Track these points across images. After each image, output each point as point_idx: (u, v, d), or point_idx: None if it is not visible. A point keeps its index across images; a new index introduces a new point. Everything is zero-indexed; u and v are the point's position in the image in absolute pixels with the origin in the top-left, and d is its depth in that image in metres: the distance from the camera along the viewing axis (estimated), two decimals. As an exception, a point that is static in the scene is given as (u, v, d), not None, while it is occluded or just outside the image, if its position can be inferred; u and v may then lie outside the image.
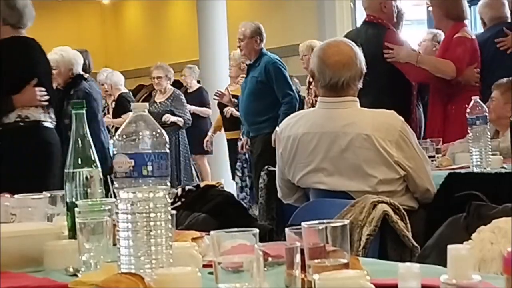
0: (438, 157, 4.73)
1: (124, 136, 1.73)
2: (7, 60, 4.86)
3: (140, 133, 1.73)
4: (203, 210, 3.22)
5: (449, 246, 1.30)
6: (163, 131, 1.76)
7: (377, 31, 5.78)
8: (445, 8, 5.76)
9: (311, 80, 7.95)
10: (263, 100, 7.19)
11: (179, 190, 3.35)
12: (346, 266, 1.61)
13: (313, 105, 7.83)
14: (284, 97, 7.23)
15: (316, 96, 7.79)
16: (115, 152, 1.71)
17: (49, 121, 5.02)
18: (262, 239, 1.72)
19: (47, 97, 4.97)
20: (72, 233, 2.18)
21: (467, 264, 1.30)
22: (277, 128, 4.43)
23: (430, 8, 6.16)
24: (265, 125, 7.15)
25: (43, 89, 4.96)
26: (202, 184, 3.43)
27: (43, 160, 4.90)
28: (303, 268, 1.62)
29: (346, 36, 5.99)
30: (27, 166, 4.80)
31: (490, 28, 6.09)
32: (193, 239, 2.11)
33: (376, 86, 5.49)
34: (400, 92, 5.70)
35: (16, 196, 2.61)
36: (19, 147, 4.88)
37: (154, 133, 1.74)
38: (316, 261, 1.61)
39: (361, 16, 12.28)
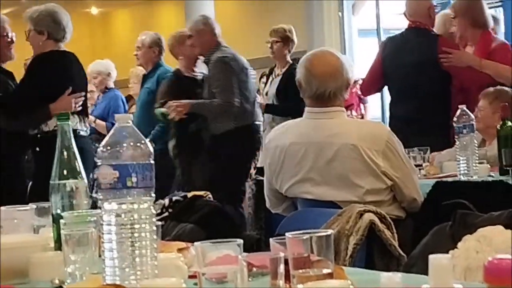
0: (425, 166, 4.75)
1: (108, 147, 1.73)
2: (48, 73, 5.18)
3: (124, 144, 1.73)
4: (190, 220, 3.22)
5: (430, 256, 1.31)
6: (147, 142, 1.76)
7: (428, 36, 5.81)
8: (471, 17, 5.76)
9: None
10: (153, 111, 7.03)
11: (167, 201, 3.35)
12: (330, 276, 1.62)
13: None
14: None
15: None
16: (99, 164, 1.72)
17: (84, 130, 5.33)
18: (250, 249, 1.72)
19: (80, 104, 5.29)
20: (58, 245, 2.17)
21: (448, 273, 1.30)
22: None
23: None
24: None
25: (80, 94, 5.29)
26: (189, 195, 3.43)
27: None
28: (288, 278, 1.62)
29: (388, 42, 6.06)
30: None
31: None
32: (179, 250, 2.11)
33: (423, 91, 5.56)
34: (445, 98, 5.70)
35: (2, 208, 2.60)
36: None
37: (138, 144, 1.74)
38: (300, 271, 1.61)
39: (349, 26, 12.38)
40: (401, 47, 5.81)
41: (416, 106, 5.63)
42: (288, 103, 6.48)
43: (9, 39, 5.41)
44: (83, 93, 5.38)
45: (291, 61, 7.07)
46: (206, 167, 6.22)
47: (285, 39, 7.12)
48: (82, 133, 5.31)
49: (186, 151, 6.42)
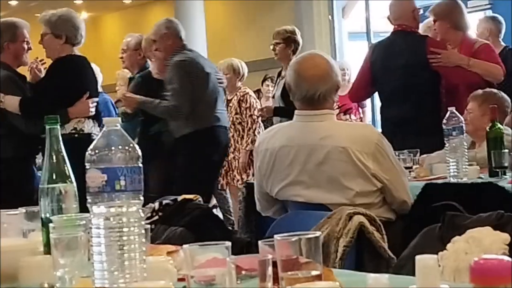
0: (415, 168, 4.76)
1: (97, 151, 1.73)
2: (67, 77, 5.32)
3: (113, 148, 1.73)
4: (180, 224, 3.21)
5: (417, 257, 1.31)
6: (135, 145, 1.76)
7: (416, 38, 5.89)
8: (452, 20, 5.84)
9: (229, 98, 8.00)
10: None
11: (156, 204, 3.34)
12: (319, 277, 1.62)
13: (233, 123, 7.88)
14: None
15: (236, 114, 7.86)
16: (87, 167, 1.72)
17: (96, 133, 5.38)
18: (240, 252, 1.72)
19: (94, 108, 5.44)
20: (47, 249, 2.17)
21: (435, 273, 1.31)
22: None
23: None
24: None
25: (95, 99, 5.47)
26: (179, 198, 3.42)
27: None
28: (276, 280, 1.63)
29: (376, 47, 6.11)
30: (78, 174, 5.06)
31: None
32: (169, 253, 2.11)
33: (414, 92, 5.61)
34: (436, 98, 5.75)
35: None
36: (71, 158, 5.05)
37: (126, 147, 1.74)
38: (289, 273, 1.62)
39: (339, 29, 12.41)
40: (390, 51, 5.85)
41: (407, 108, 5.67)
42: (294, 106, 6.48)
43: (27, 46, 5.52)
44: (98, 98, 5.54)
45: None
46: (162, 170, 6.20)
47: (288, 40, 7.11)
48: (95, 137, 5.36)
49: (144, 152, 6.42)
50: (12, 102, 5.28)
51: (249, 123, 7.93)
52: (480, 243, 2.16)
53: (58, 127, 2.28)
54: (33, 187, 5.31)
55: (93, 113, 5.42)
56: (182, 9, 12.39)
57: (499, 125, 4.41)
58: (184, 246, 1.65)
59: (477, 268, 1.28)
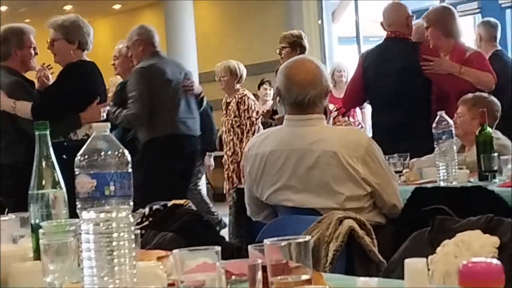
0: (405, 172, 4.76)
1: (86, 156, 1.72)
2: (77, 82, 5.37)
3: (102, 153, 1.72)
4: (170, 229, 3.21)
5: (406, 260, 1.32)
6: (125, 150, 1.76)
7: (409, 45, 5.93)
8: (444, 27, 5.87)
9: (228, 100, 7.99)
10: None
11: (147, 210, 3.34)
12: (308, 282, 1.62)
13: (232, 126, 7.87)
14: None
15: (235, 116, 7.84)
16: (76, 173, 1.71)
17: None
18: (230, 257, 1.72)
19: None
20: (37, 255, 2.17)
21: (424, 276, 1.31)
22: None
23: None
24: None
25: (107, 104, 5.54)
26: (169, 203, 3.42)
27: None
28: (266, 285, 1.63)
29: (368, 53, 6.13)
30: None
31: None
32: (159, 258, 2.11)
33: (407, 98, 5.63)
34: (427, 104, 5.79)
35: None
36: None
37: (116, 152, 1.74)
38: (278, 277, 1.62)
39: (328, 33, 12.42)
40: (383, 57, 5.89)
41: (400, 114, 5.69)
42: None
43: (34, 51, 5.53)
44: (110, 103, 5.63)
45: None
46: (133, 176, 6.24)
47: (294, 45, 7.15)
48: None
49: None
50: (24, 108, 5.30)
51: (248, 125, 7.89)
52: (469, 247, 2.17)
53: (48, 133, 2.28)
54: None
55: (104, 118, 5.46)
56: (172, 14, 12.39)
57: (489, 129, 4.42)
58: (174, 251, 1.65)
59: (466, 271, 1.29)
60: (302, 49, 7.14)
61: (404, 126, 5.63)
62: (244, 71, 8.08)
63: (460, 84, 5.64)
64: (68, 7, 15.23)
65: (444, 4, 6.20)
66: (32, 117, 5.23)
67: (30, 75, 5.72)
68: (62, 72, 5.48)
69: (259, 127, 7.94)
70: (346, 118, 8.50)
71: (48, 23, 5.57)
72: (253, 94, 8.50)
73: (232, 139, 7.84)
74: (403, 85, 5.73)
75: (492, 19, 7.38)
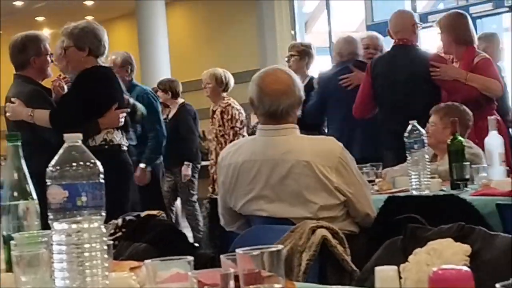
0: (378, 181, 4.78)
1: (58, 167, 1.72)
2: (94, 87, 5.32)
3: (74, 164, 1.72)
4: (143, 240, 3.20)
5: (376, 268, 1.32)
6: (97, 161, 1.76)
7: (417, 52, 6.05)
8: (456, 34, 5.91)
9: (213, 109, 7.99)
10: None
11: (120, 221, 3.33)
12: (281, 291, 1.63)
13: (216, 136, 7.87)
14: (150, 131, 7.13)
15: (219, 126, 7.85)
16: (48, 183, 1.71)
17: (125, 144, 5.47)
18: (204, 267, 1.72)
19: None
20: (9, 266, 2.16)
21: (394, 284, 1.32)
22: None
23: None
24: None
25: (125, 110, 5.50)
26: (142, 214, 3.41)
27: (124, 179, 5.38)
28: (239, 294, 1.63)
29: (377, 61, 6.23)
30: (111, 185, 5.17)
31: (340, 63, 6.62)
32: (131, 269, 2.11)
33: (417, 105, 5.67)
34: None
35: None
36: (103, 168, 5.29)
37: (88, 163, 1.74)
38: (251, 287, 1.62)
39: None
40: (392, 64, 5.99)
41: (409, 121, 5.72)
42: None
43: (50, 58, 5.54)
44: (128, 109, 5.61)
45: (310, 75, 7.21)
46: None
47: (302, 53, 7.22)
48: (124, 147, 5.45)
49: None
50: (42, 116, 5.26)
51: (231, 135, 7.83)
52: (441, 255, 2.18)
53: (20, 144, 2.27)
54: None
55: (123, 123, 5.45)
56: (145, 26, 12.40)
57: (460, 138, 4.45)
58: (146, 261, 1.65)
59: (436, 278, 1.30)
60: (310, 58, 7.28)
61: None
62: (231, 79, 8.02)
63: (466, 90, 5.69)
64: (40, 18, 15.19)
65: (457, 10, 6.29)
66: (50, 125, 5.22)
67: (46, 83, 5.71)
68: (76, 79, 5.45)
69: (243, 136, 7.90)
70: None
71: (60, 31, 5.58)
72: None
73: (215, 148, 7.82)
74: (412, 92, 5.80)
75: (490, 32, 7.49)
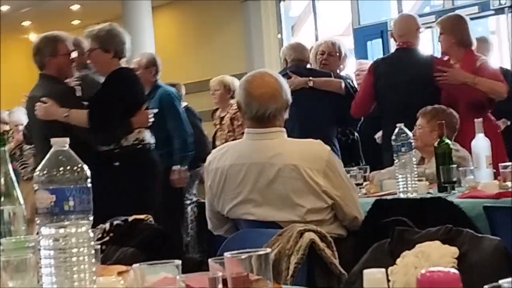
0: (365, 184, 4.79)
1: (45, 172, 1.72)
2: (124, 88, 5.45)
3: (61, 168, 1.72)
4: (131, 244, 3.19)
5: (364, 271, 1.33)
6: (84, 165, 1.75)
7: (419, 56, 6.11)
8: (457, 35, 5.93)
9: (222, 115, 7.99)
10: (158, 134, 7.01)
11: (107, 225, 3.32)
12: (269, 294, 1.63)
13: (226, 141, 7.86)
14: (174, 131, 7.11)
15: (229, 131, 7.84)
16: (36, 188, 1.70)
17: (153, 144, 5.59)
18: (192, 271, 1.72)
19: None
20: (-4, 272, 2.15)
21: (382, 286, 1.32)
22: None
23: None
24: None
25: (154, 110, 5.68)
26: (130, 219, 3.41)
27: (154, 177, 5.56)
28: (227, 298, 1.63)
29: (380, 62, 6.29)
30: (145, 183, 5.41)
31: (283, 70, 6.64)
32: (119, 273, 2.10)
33: (418, 108, 5.67)
34: None
35: None
36: (136, 167, 5.45)
37: (75, 168, 1.73)
38: (239, 290, 1.62)
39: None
40: (395, 67, 6.02)
41: (410, 124, 5.74)
42: None
43: (71, 58, 5.55)
44: (156, 110, 5.76)
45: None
46: None
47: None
48: (153, 147, 5.56)
49: None
50: (79, 116, 5.30)
51: None
52: (429, 257, 2.19)
53: (5, 148, 2.26)
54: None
55: (151, 123, 5.56)
56: (131, 30, 12.32)
57: (448, 141, 4.46)
58: (134, 265, 1.64)
59: (424, 280, 1.30)
60: None
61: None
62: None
63: (472, 93, 5.71)
64: (26, 23, 15.14)
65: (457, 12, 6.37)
66: (88, 125, 5.25)
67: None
68: (108, 79, 5.50)
69: None
70: None
71: (85, 33, 5.67)
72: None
73: None
74: (413, 95, 5.82)
75: (483, 36, 7.52)
